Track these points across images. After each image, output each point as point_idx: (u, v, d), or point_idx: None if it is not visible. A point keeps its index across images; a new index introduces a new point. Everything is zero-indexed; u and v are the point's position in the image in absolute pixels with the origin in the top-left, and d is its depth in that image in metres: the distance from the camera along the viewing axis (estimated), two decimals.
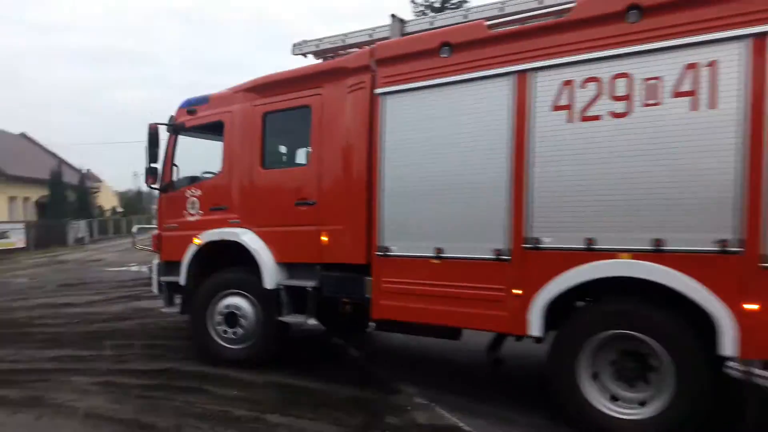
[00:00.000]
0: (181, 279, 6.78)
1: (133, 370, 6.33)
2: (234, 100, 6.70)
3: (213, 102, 6.95)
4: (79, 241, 30.47)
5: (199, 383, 5.76)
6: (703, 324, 3.87)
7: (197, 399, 5.31)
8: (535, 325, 4.48)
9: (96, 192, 41.01)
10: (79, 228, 31.18)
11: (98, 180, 43.83)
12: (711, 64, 3.86)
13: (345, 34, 6.25)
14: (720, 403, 4.08)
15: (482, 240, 4.74)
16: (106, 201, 45.39)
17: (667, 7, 4.02)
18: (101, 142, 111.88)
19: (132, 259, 18.87)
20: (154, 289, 7.32)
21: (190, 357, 6.69)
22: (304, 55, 6.62)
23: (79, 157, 66.14)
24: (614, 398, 4.35)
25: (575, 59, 4.33)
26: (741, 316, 3.74)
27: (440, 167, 5.00)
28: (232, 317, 6.39)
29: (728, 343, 3.77)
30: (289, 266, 6.14)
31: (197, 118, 7.00)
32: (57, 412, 5.03)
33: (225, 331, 6.45)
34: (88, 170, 40.85)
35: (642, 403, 4.24)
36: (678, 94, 3.97)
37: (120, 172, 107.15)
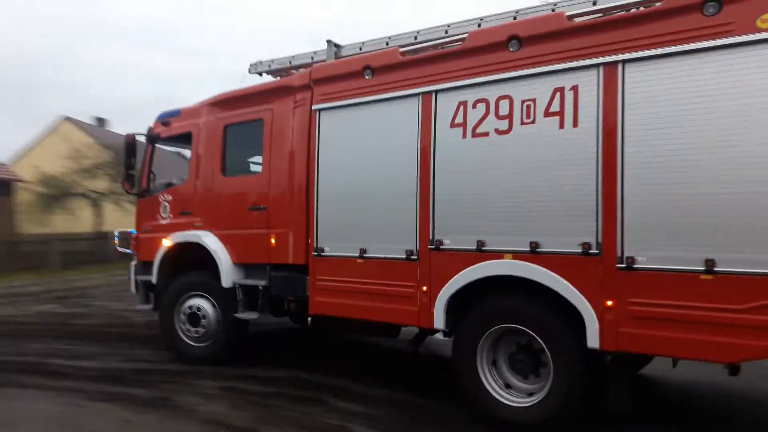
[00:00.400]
0: (153, 278, 7.48)
1: (257, 376, 6.48)
2: (201, 113, 7.38)
3: (184, 115, 7.65)
4: None
5: (320, 394, 5.81)
6: (575, 319, 4.39)
7: (316, 410, 5.32)
8: (439, 319, 5.05)
9: None
10: None
11: None
12: (573, 88, 4.39)
13: (292, 56, 6.88)
14: (599, 392, 4.58)
15: (397, 241, 5.32)
16: None
17: (540, 38, 4.56)
18: None
19: None
20: (132, 288, 8.03)
21: (314, 366, 6.79)
22: (260, 74, 7.25)
23: None
24: (508, 386, 4.89)
25: (467, 83, 4.89)
26: (602, 312, 4.26)
27: (364, 176, 5.59)
28: (194, 317, 7.06)
29: (592, 336, 4.29)
30: (244, 266, 6.76)
31: (170, 130, 7.71)
32: (179, 415, 5.26)
33: (189, 330, 7.12)
34: None
35: (530, 394, 4.77)
36: (548, 114, 4.51)
37: None
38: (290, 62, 6.80)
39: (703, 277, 3.86)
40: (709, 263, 3.83)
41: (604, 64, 4.25)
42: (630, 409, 4.60)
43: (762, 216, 3.68)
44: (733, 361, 3.91)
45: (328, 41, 6.30)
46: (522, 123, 4.63)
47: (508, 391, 4.86)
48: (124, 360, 7.41)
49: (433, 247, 5.09)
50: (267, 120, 6.56)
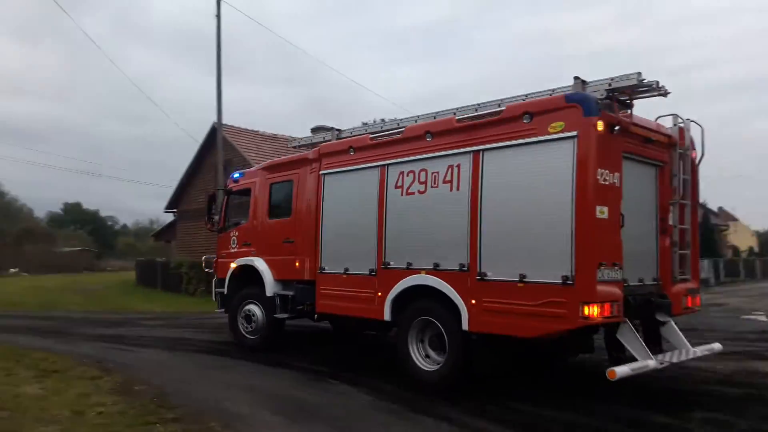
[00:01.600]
0: (225, 290, 10.65)
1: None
2: (256, 175, 10.58)
3: (246, 176, 10.91)
4: (704, 282, 28.15)
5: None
6: (456, 312, 6.86)
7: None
8: (387, 313, 7.66)
9: (725, 230, 38.93)
10: (702, 267, 29.07)
11: (732, 218, 41.54)
12: (458, 165, 6.96)
13: (311, 136, 9.93)
14: (483, 362, 6.98)
15: (365, 263, 8.03)
16: (742, 240, 42.59)
17: (441, 133, 7.20)
18: (735, 176, 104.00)
19: (763, 306, 16.75)
20: (213, 297, 11.26)
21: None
22: (294, 147, 10.37)
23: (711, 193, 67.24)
24: (427, 356, 7.39)
25: (404, 160, 7.59)
26: (469, 307, 6.70)
27: (348, 220, 8.39)
28: (249, 317, 10.08)
29: (464, 323, 6.73)
30: (281, 282, 9.72)
31: (238, 186, 10.98)
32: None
33: (245, 326, 10.15)
34: (720, 208, 39.68)
35: (438, 363, 7.23)
36: (445, 182, 7.09)
37: (762, 209, 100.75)
38: (311, 141, 9.83)
39: (519, 284, 6.25)
40: (522, 276, 6.22)
41: (473, 151, 6.81)
42: (491, 373, 6.98)
43: (551, 250, 6.02)
44: (531, 336, 6.21)
45: (332, 128, 9.30)
46: (432, 187, 7.25)
47: (426, 360, 7.35)
48: None
49: (384, 266, 7.75)
50: (295, 181, 9.57)
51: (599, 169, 5.90)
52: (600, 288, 5.81)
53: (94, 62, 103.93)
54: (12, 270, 42.95)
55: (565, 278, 5.86)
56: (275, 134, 27.17)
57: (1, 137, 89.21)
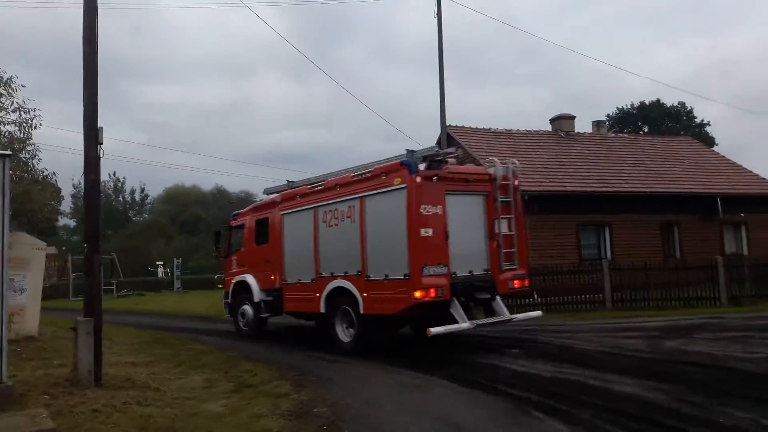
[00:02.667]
0: (229, 299, 14.64)
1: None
2: (247, 214, 14.55)
3: (241, 215, 14.90)
4: None
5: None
6: (356, 302, 10.50)
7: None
8: (322, 307, 11.37)
9: None
10: None
11: None
12: (352, 207, 10.65)
13: (277, 186, 13.81)
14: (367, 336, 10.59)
15: (309, 274, 11.77)
16: None
17: (344, 184, 10.91)
18: None
19: None
20: (223, 305, 15.26)
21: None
22: (267, 194, 14.29)
23: None
24: (345, 332, 11.04)
25: (326, 203, 11.33)
26: (362, 299, 10.34)
27: (298, 246, 12.16)
28: (243, 315, 14.01)
29: (361, 309, 10.37)
30: (264, 290, 13.57)
31: (236, 222, 14.98)
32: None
33: (242, 321, 14.07)
34: None
35: (351, 336, 10.88)
36: (347, 217, 10.79)
37: None
38: (288, 186, 13.68)
39: (385, 281, 9.86)
40: (386, 275, 9.84)
41: (359, 197, 10.48)
42: (380, 340, 10.61)
43: (398, 258, 9.60)
44: (392, 312, 9.77)
45: (288, 181, 13.20)
46: (341, 220, 10.95)
47: (347, 333, 10.99)
48: None
49: (319, 276, 11.48)
50: (269, 218, 13.43)
51: (422, 205, 9.47)
52: (425, 280, 9.36)
53: (355, 87, 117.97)
54: None
55: (405, 275, 9.47)
56: (509, 130, 24.58)
57: (279, 162, 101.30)
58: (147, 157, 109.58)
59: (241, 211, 15.27)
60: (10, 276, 11.51)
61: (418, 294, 9.30)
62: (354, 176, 10.84)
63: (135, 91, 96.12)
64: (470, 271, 10.20)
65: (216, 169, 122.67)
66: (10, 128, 13.64)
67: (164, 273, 44.77)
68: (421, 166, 9.71)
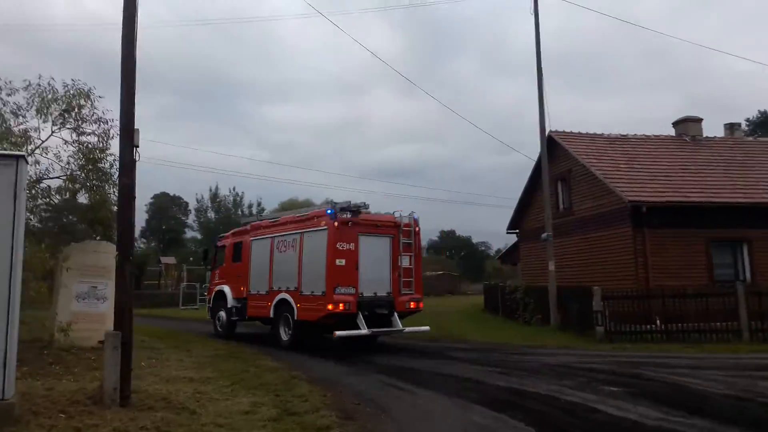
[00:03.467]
0: (210, 304, 18.44)
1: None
2: (228, 238, 18.39)
3: (224, 238, 18.77)
4: None
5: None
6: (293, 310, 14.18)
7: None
8: (272, 313, 15.05)
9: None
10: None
11: None
12: (296, 238, 14.40)
13: (251, 217, 17.60)
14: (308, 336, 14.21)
15: (264, 288, 15.50)
16: None
17: (291, 222, 14.71)
18: None
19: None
20: (207, 311, 19.06)
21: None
22: (247, 225, 18.13)
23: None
24: (287, 332, 14.70)
25: (281, 234, 15.11)
26: (297, 308, 14.01)
27: (260, 266, 15.91)
28: (219, 319, 17.75)
29: (296, 315, 14.03)
30: (236, 299, 17.30)
31: (220, 243, 18.86)
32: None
33: (218, 324, 17.81)
34: None
35: (289, 335, 14.55)
36: (292, 247, 14.53)
37: None
38: (252, 220, 17.51)
39: (311, 296, 13.54)
40: (312, 292, 13.52)
41: (300, 233, 14.24)
42: (307, 339, 14.24)
43: (319, 280, 13.29)
44: (314, 319, 13.41)
45: (258, 215, 16.96)
46: (288, 248, 14.69)
47: (284, 335, 14.63)
48: None
49: (271, 290, 15.19)
50: (243, 242, 17.23)
51: (338, 243, 13.17)
52: (336, 297, 13.01)
53: (469, 99, 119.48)
54: None
55: (323, 292, 13.16)
56: (624, 135, 23.16)
57: (392, 177, 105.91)
58: (271, 174, 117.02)
59: (225, 234, 19.12)
60: (93, 284, 12.93)
61: (330, 307, 12.95)
62: (297, 217, 14.64)
63: (259, 112, 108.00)
64: (375, 293, 13.80)
65: (332, 183, 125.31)
66: (91, 139, 13.52)
67: None
68: (348, 214, 13.43)
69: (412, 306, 14.22)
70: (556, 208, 21.96)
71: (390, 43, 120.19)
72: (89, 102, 13.34)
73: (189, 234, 66.96)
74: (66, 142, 13.46)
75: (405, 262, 14.19)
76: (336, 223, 13.23)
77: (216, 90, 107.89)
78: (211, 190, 62.15)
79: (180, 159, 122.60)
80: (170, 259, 43.13)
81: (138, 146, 8.06)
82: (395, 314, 13.91)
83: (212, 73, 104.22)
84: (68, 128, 13.41)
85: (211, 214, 62.61)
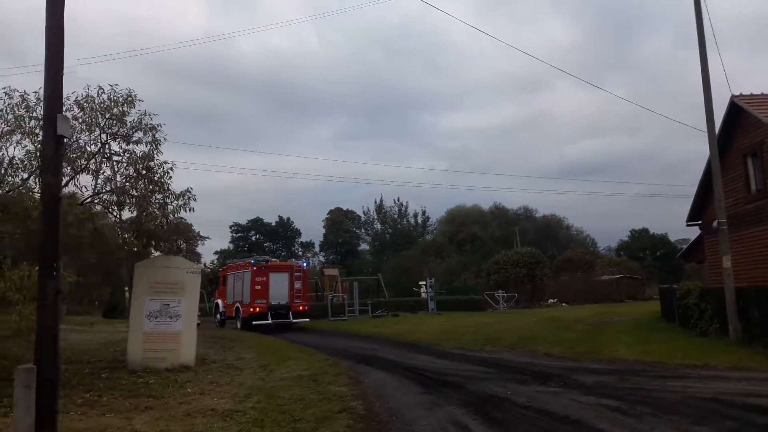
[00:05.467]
0: (214, 310, 32.17)
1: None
2: (225, 271, 32.20)
3: (222, 270, 32.80)
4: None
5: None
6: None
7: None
8: (234, 314, 28.35)
9: None
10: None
11: None
12: (242, 275, 27.76)
13: (235, 260, 31.15)
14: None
15: (231, 300, 28.96)
16: None
17: (240, 267, 28.13)
18: None
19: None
20: (213, 316, 32.78)
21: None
22: (226, 265, 31.63)
23: None
24: (239, 323, 27.84)
25: (241, 271, 28.58)
26: (242, 310, 27.18)
27: (231, 289, 29.38)
28: (219, 317, 31.30)
29: (242, 314, 27.21)
30: (224, 307, 30.74)
31: (222, 273, 32.73)
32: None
33: (219, 320, 31.31)
34: None
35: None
36: (241, 279, 27.91)
37: None
38: (235, 262, 31.03)
39: (246, 303, 26.81)
40: (246, 302, 26.68)
41: (243, 272, 27.69)
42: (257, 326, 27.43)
43: (247, 297, 26.38)
44: (247, 315, 26.55)
45: (233, 258, 30.65)
46: (239, 279, 28.11)
47: (239, 323, 27.79)
48: None
49: (234, 301, 28.53)
50: (227, 275, 30.88)
51: (256, 277, 26.54)
52: (255, 303, 26.39)
53: (661, 83, 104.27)
54: (551, 300, 40.76)
55: (249, 301, 26.43)
56: None
57: (579, 174, 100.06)
58: (446, 182, 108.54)
59: (224, 267, 32.77)
60: (165, 302, 12.22)
61: (251, 309, 26.13)
62: (241, 264, 28.20)
63: (433, 122, 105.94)
64: (279, 302, 26.68)
65: (513, 186, 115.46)
66: (142, 147, 12.75)
67: (428, 292, 39.23)
68: (262, 263, 26.54)
69: (301, 309, 27.32)
70: (747, 190, 17.99)
71: (563, 35, 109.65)
72: (131, 108, 12.53)
73: (362, 246, 68.65)
74: (115, 153, 13.09)
75: (297, 286, 27.06)
76: (254, 268, 26.51)
77: (393, 105, 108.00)
78: (375, 202, 63.47)
79: (369, 175, 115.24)
80: (333, 271, 43.08)
81: (66, 138, 7.08)
82: (290, 313, 26.76)
83: (387, 90, 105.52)
84: (118, 137, 12.66)
85: (377, 225, 64.08)
